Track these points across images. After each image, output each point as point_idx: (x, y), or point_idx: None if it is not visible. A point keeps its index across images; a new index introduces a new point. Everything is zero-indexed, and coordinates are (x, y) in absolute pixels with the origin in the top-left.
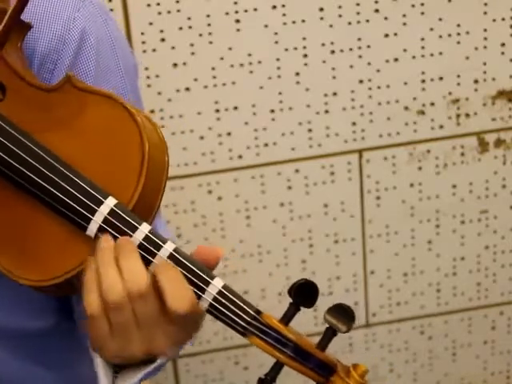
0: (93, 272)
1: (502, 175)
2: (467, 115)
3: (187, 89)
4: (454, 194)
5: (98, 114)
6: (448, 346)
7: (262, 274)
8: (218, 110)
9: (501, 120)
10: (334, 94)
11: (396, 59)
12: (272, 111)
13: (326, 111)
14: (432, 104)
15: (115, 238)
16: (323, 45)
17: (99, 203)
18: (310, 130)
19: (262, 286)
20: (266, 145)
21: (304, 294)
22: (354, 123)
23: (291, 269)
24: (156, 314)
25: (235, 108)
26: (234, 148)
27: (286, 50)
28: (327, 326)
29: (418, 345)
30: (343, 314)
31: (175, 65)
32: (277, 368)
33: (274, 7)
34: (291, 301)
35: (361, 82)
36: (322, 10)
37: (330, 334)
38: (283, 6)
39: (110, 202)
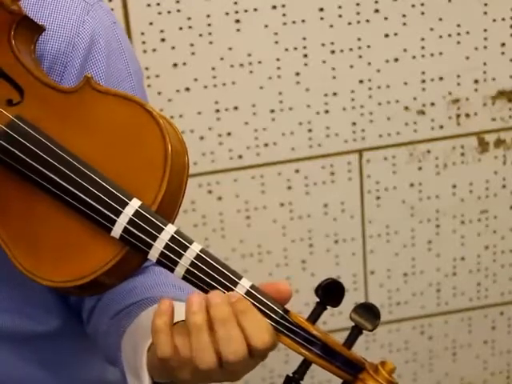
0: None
1: (502, 175)
2: (467, 115)
3: (187, 89)
4: (454, 194)
5: (118, 116)
6: (448, 345)
7: (262, 273)
8: (218, 110)
9: (501, 120)
10: (334, 94)
11: (396, 59)
12: (272, 111)
13: (326, 111)
14: (432, 104)
15: (139, 239)
16: (323, 45)
17: (124, 205)
18: (309, 130)
19: None
20: (266, 145)
21: (331, 293)
22: (354, 123)
23: (291, 269)
24: (245, 357)
25: (235, 108)
26: (234, 148)
27: (286, 49)
28: (353, 324)
29: (417, 345)
30: (368, 312)
31: (175, 65)
32: (304, 366)
33: (274, 7)
34: (318, 300)
35: (361, 82)
36: (321, 10)
37: (356, 332)
38: (283, 6)
39: (135, 204)
